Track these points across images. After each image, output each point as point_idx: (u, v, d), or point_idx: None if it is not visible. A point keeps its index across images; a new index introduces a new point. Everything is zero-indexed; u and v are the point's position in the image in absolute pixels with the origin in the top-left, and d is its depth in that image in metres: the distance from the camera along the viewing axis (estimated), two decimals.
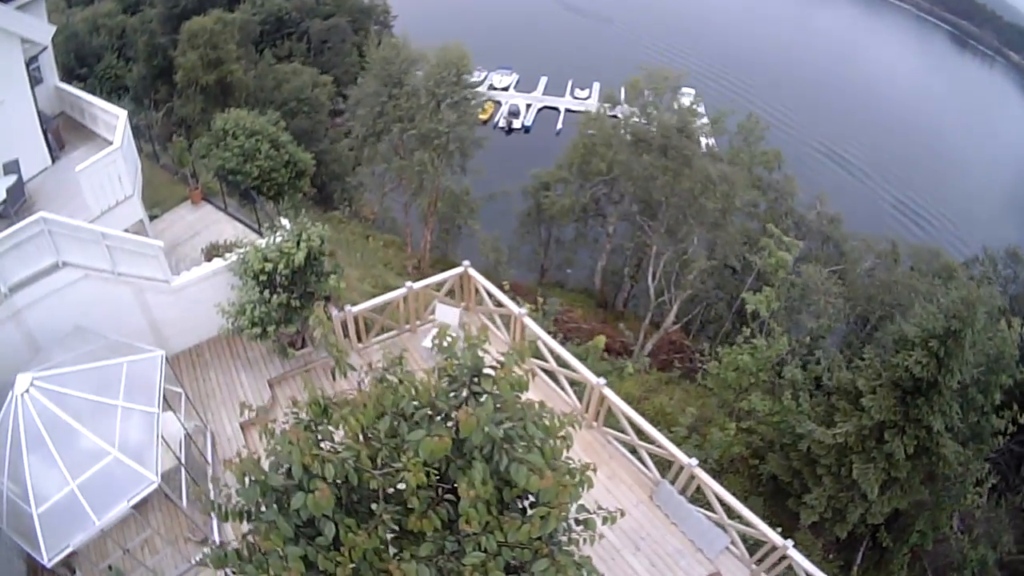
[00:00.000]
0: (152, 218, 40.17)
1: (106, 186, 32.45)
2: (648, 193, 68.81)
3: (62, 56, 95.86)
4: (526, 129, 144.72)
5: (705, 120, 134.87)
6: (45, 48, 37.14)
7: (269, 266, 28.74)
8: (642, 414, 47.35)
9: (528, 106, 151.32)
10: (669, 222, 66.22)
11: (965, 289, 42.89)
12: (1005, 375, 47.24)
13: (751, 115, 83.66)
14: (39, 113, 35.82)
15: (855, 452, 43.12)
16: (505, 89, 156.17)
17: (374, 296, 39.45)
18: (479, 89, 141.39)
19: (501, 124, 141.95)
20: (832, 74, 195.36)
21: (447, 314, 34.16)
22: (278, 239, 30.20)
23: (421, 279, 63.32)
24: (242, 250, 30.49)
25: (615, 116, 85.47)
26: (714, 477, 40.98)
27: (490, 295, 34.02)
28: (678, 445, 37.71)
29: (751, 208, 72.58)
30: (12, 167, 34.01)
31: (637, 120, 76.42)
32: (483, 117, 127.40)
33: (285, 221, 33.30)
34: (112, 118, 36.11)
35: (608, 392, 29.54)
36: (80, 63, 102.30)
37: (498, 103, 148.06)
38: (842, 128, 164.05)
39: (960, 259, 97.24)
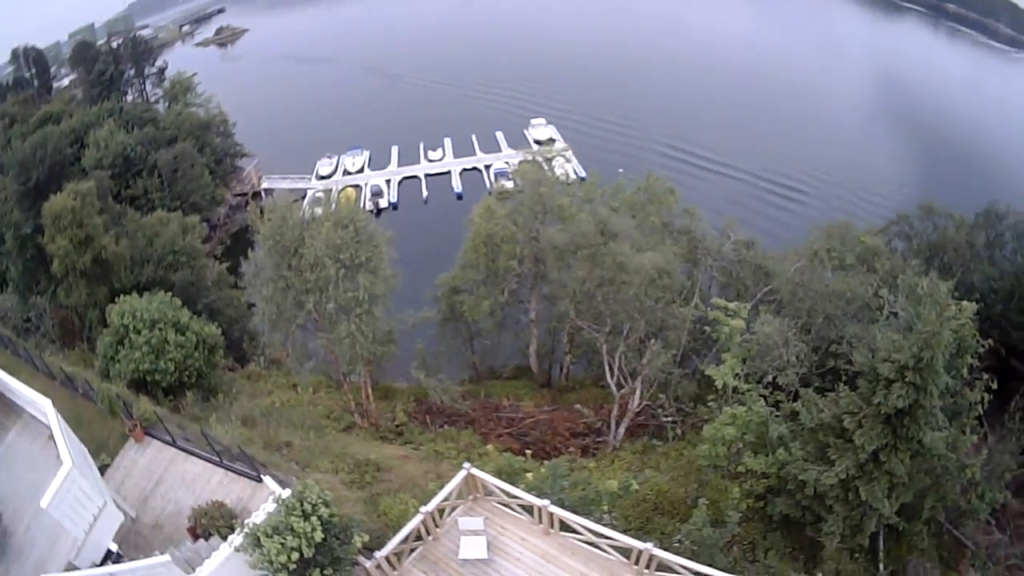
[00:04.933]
0: (103, 468, 38.91)
1: (77, 507, 30.16)
2: (587, 301, 67.18)
3: None
4: (394, 206, 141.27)
5: (562, 144, 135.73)
6: None
7: (295, 555, 27.40)
8: (643, 501, 46.91)
9: (388, 182, 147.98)
10: (614, 324, 64.78)
11: (931, 318, 42.11)
12: (969, 355, 49.19)
13: (649, 173, 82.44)
14: None
15: (857, 478, 43.49)
16: (360, 171, 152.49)
17: (353, 486, 38.92)
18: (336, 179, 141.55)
19: (369, 208, 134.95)
20: (661, 57, 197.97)
21: (471, 524, 33.77)
22: (271, 508, 29.74)
23: (366, 419, 62.09)
24: (246, 531, 28.94)
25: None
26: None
27: (505, 492, 34.62)
28: (700, 531, 39.40)
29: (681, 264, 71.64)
30: None
31: (536, 213, 74.48)
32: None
33: (272, 484, 32.47)
34: (38, 411, 34.87)
35: (659, 552, 30.79)
36: None
37: (358, 187, 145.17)
38: (692, 113, 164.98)
39: (863, 214, 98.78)
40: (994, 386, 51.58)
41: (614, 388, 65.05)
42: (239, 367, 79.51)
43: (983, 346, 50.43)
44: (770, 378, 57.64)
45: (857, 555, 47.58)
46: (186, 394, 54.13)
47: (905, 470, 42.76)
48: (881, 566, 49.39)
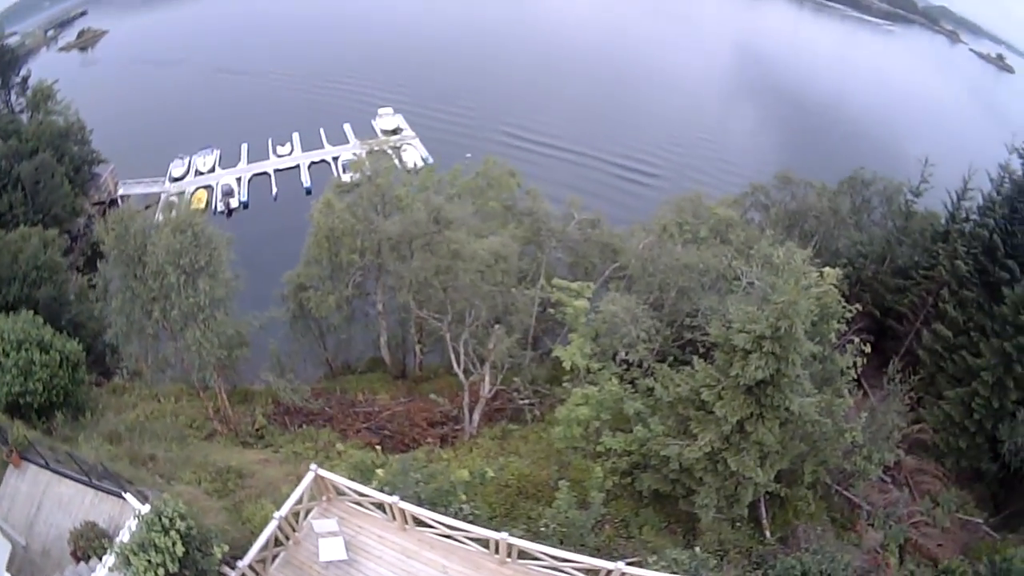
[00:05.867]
0: None
1: None
2: (425, 291, 67.21)
3: None
4: (245, 205, 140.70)
5: (409, 132, 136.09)
6: None
7: (162, 571, 27.69)
8: (505, 486, 47.44)
9: (239, 180, 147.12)
10: (454, 312, 65.19)
11: (789, 286, 42.58)
12: (835, 320, 50.13)
13: (487, 158, 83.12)
14: None
15: (724, 450, 43.48)
16: (212, 170, 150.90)
17: (216, 495, 39.80)
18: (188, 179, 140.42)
19: (220, 208, 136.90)
20: (510, 41, 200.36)
21: (325, 526, 34.29)
22: (134, 526, 29.72)
23: (226, 424, 62.07)
24: (116, 551, 29.00)
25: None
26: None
27: (355, 491, 35.19)
28: (565, 514, 39.28)
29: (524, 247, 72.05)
30: None
31: (375, 204, 74.47)
32: (199, 207, 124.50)
33: (133, 501, 33.18)
34: None
35: (515, 540, 30.94)
36: None
37: (209, 187, 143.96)
38: (541, 98, 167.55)
39: (718, 192, 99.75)
40: (868, 349, 52.64)
41: (462, 375, 65.31)
42: (105, 381, 77.97)
43: (851, 311, 51.46)
44: (622, 355, 58.02)
45: (739, 524, 48.11)
46: (56, 415, 53.79)
47: (775, 438, 42.94)
48: (767, 533, 49.92)
